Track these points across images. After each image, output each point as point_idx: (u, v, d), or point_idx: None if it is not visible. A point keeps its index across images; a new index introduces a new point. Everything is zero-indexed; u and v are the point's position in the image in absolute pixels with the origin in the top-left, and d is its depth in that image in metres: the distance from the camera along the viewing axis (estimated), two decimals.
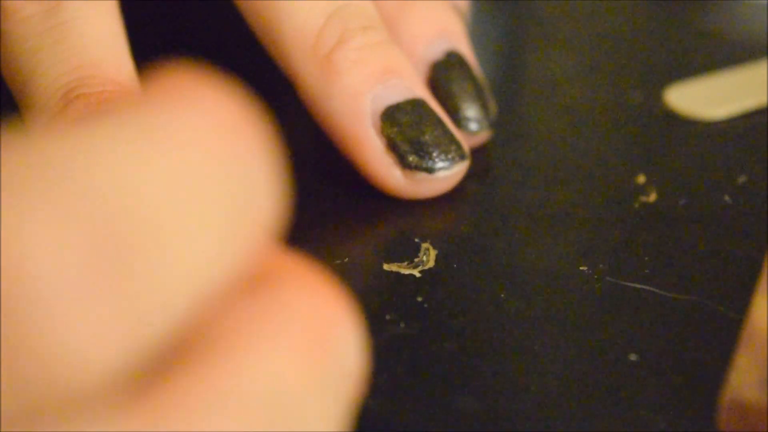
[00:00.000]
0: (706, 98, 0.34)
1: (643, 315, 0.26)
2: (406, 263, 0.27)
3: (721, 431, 0.22)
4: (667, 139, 0.33)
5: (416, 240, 0.28)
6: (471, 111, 0.30)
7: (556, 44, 0.39)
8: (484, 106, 0.31)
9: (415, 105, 0.29)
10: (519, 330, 0.25)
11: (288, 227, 0.28)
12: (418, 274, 0.27)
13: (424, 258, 0.27)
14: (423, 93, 0.29)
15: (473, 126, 0.30)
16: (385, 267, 0.27)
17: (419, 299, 0.26)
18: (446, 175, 0.29)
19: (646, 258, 0.27)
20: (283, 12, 0.29)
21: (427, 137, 0.28)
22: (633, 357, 0.24)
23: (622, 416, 0.23)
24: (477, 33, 0.39)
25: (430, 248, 0.28)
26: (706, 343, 0.25)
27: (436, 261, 0.27)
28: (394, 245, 0.28)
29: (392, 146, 0.28)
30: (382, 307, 0.26)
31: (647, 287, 0.26)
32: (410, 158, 0.28)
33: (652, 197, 0.30)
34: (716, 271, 0.27)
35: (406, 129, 0.28)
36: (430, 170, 0.28)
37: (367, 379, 0.23)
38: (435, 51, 0.30)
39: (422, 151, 0.28)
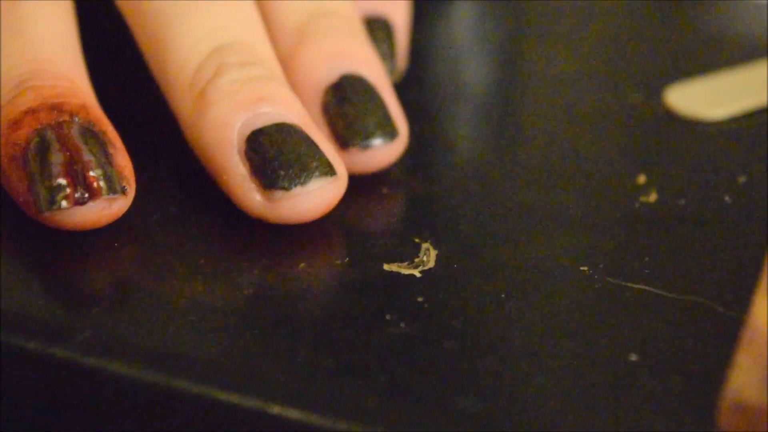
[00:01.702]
0: (706, 98, 0.34)
1: (643, 315, 0.26)
2: (406, 263, 0.27)
3: (721, 431, 0.22)
4: (667, 139, 0.33)
5: (417, 240, 0.28)
6: (362, 126, 0.29)
7: (556, 44, 0.39)
8: (381, 120, 0.29)
9: (280, 127, 0.27)
10: (519, 330, 0.25)
11: (286, 226, 0.28)
12: (418, 275, 0.27)
13: (425, 258, 0.27)
14: (300, 119, 0.28)
15: (374, 141, 0.29)
16: (386, 267, 0.27)
17: (420, 299, 0.26)
18: (302, 191, 0.27)
19: (647, 258, 0.27)
20: (168, 47, 0.29)
21: (286, 156, 0.27)
22: (633, 357, 0.24)
23: (622, 416, 0.23)
24: (477, 33, 0.39)
25: (431, 248, 0.28)
26: (707, 343, 0.25)
27: (437, 261, 0.27)
28: (394, 245, 0.28)
29: (254, 170, 0.27)
30: (383, 307, 0.26)
31: (647, 287, 0.26)
32: (267, 177, 0.27)
33: (653, 197, 0.30)
34: (716, 271, 0.27)
35: (267, 150, 0.27)
36: (286, 187, 0.27)
37: (365, 379, 0.24)
38: (329, 76, 0.29)
39: (280, 168, 0.27)
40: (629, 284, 0.26)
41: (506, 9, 0.41)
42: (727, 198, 0.30)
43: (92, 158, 0.27)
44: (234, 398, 0.23)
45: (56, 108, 0.27)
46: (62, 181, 0.26)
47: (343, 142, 0.29)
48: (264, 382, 0.23)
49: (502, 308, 0.26)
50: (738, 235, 0.28)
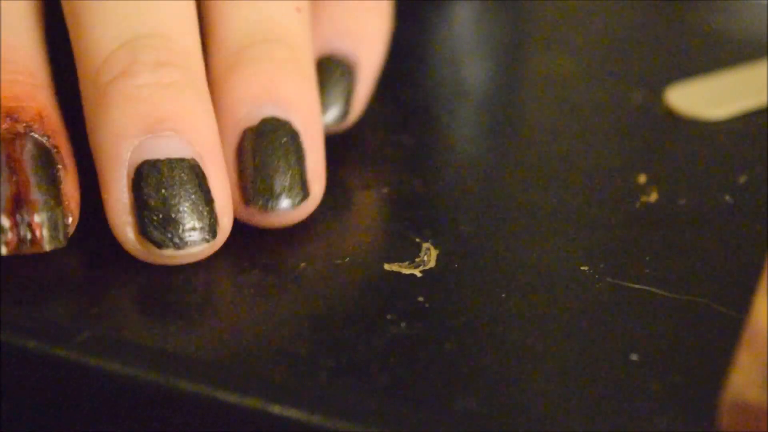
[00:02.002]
0: (707, 98, 0.34)
1: (644, 315, 0.26)
2: (407, 263, 0.27)
3: (722, 431, 0.22)
4: (668, 138, 0.33)
5: (417, 240, 0.28)
6: (268, 186, 0.27)
7: (557, 44, 0.39)
8: (291, 183, 0.27)
9: (174, 167, 0.26)
10: (520, 330, 0.25)
11: (289, 227, 0.28)
12: (419, 274, 0.27)
13: (425, 258, 0.27)
14: (202, 150, 0.26)
15: (277, 204, 0.27)
16: (386, 267, 0.27)
17: (420, 299, 0.26)
18: (173, 254, 0.26)
19: (647, 258, 0.27)
20: (83, 26, 0.26)
21: (172, 207, 0.25)
22: (634, 357, 0.24)
23: (623, 416, 0.23)
24: (477, 33, 0.39)
25: (431, 248, 0.27)
26: (707, 343, 0.25)
27: (437, 261, 0.27)
28: (395, 245, 0.28)
29: (134, 206, 0.26)
30: (383, 307, 0.26)
31: (648, 287, 0.26)
32: (144, 225, 0.26)
33: (653, 197, 0.30)
34: (717, 270, 0.27)
35: (153, 192, 0.25)
36: (160, 245, 0.26)
37: (366, 379, 0.23)
38: (250, 117, 0.27)
39: (160, 222, 0.25)
40: (630, 284, 0.26)
41: (506, 9, 0.41)
42: (728, 198, 0.30)
43: (39, 197, 0.25)
44: (234, 398, 0.23)
45: (11, 115, 0.26)
46: (5, 222, 0.25)
47: (246, 198, 0.27)
48: (264, 382, 0.23)
49: (503, 308, 0.26)
50: (739, 235, 0.28)
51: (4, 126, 0.26)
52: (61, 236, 0.25)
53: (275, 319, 0.25)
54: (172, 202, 0.26)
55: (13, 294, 0.25)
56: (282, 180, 0.27)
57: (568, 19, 0.40)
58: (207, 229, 0.26)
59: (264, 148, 0.27)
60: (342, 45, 0.30)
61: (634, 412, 0.23)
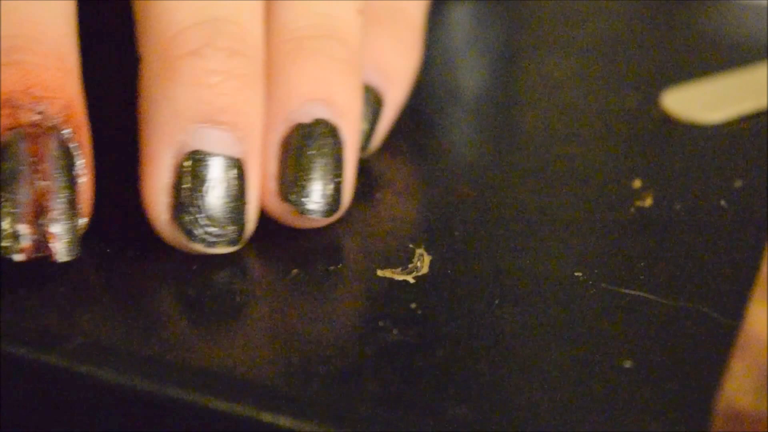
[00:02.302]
0: (703, 102, 0.34)
1: (638, 321, 0.25)
2: (399, 269, 0.27)
3: None
4: (663, 143, 0.33)
5: (410, 245, 0.28)
6: (311, 191, 0.27)
7: (552, 47, 0.39)
8: (330, 191, 0.27)
9: (226, 168, 0.26)
10: (513, 337, 0.25)
11: (279, 232, 0.28)
12: (411, 280, 0.27)
13: (418, 264, 0.27)
14: (251, 151, 0.26)
15: (307, 206, 0.27)
16: (379, 273, 0.27)
17: (413, 306, 0.26)
18: (202, 250, 0.26)
19: (642, 263, 0.27)
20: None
21: (210, 204, 0.26)
22: (628, 364, 0.24)
23: (616, 423, 0.23)
24: (472, 36, 0.39)
25: (424, 254, 0.27)
26: (702, 349, 0.25)
27: (431, 267, 0.27)
28: (387, 251, 0.28)
29: (176, 189, 0.26)
30: (376, 314, 0.25)
31: (642, 293, 0.26)
32: (182, 213, 0.26)
33: (648, 202, 0.30)
34: (712, 276, 0.27)
35: (200, 185, 0.26)
36: (192, 237, 0.26)
37: (358, 386, 0.23)
38: (306, 113, 0.27)
39: (198, 216, 0.26)
40: (624, 290, 0.26)
41: (501, 12, 0.40)
42: (723, 202, 0.30)
43: (59, 206, 0.25)
44: (226, 405, 0.23)
45: (37, 107, 0.25)
46: (24, 230, 0.25)
47: (283, 195, 0.27)
48: (256, 389, 0.23)
49: (496, 314, 0.26)
50: (734, 241, 0.28)
51: (30, 119, 0.25)
52: (75, 249, 0.25)
53: (267, 325, 0.25)
54: (214, 201, 0.26)
55: (4, 301, 0.25)
56: (324, 189, 0.27)
57: (563, 21, 0.40)
58: (237, 232, 0.26)
59: (312, 150, 0.27)
60: (372, 78, 0.30)
61: (627, 419, 0.23)
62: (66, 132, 0.26)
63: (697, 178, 0.31)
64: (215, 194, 0.26)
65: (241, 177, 0.26)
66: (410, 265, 0.27)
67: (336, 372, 0.24)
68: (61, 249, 0.25)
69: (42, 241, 0.25)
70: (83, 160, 0.26)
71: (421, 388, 0.24)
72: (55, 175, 0.25)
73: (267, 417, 0.23)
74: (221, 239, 0.26)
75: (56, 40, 0.26)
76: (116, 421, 0.24)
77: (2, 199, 0.25)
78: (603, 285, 0.26)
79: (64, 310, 0.25)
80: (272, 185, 0.27)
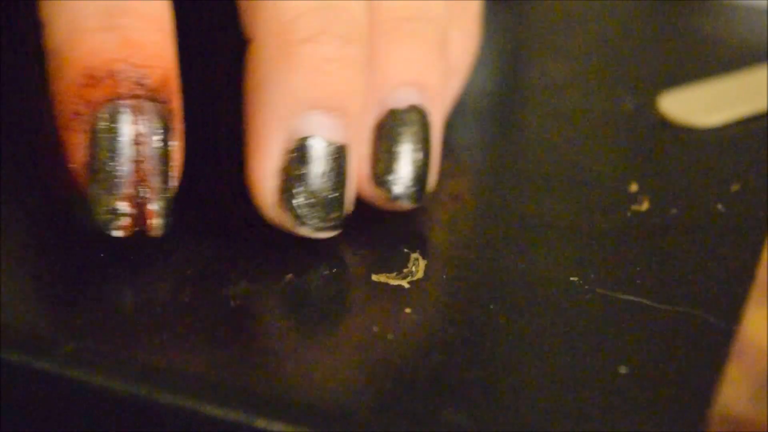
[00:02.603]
0: (700, 105, 0.34)
1: (633, 326, 0.25)
2: (394, 274, 0.27)
3: None
4: (660, 146, 0.33)
5: (405, 250, 0.28)
6: (403, 176, 0.27)
7: (548, 50, 0.38)
8: (420, 178, 0.28)
9: (334, 156, 0.26)
10: (508, 342, 0.25)
11: (274, 237, 0.28)
12: (406, 285, 0.26)
13: (413, 268, 0.27)
14: (355, 137, 0.27)
15: (397, 191, 0.27)
16: (374, 278, 0.27)
17: (408, 310, 0.26)
18: (307, 234, 0.26)
19: (638, 268, 0.27)
20: None
21: (320, 192, 0.26)
22: (623, 369, 0.24)
23: (611, 429, 0.23)
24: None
25: (420, 258, 0.27)
26: (698, 355, 0.25)
27: (426, 271, 0.27)
28: (382, 255, 0.27)
29: (287, 171, 0.26)
30: (370, 319, 0.25)
31: (638, 298, 0.26)
32: (291, 196, 0.26)
33: (644, 206, 0.30)
34: (709, 281, 0.27)
35: (308, 171, 0.26)
36: (299, 220, 0.26)
37: (352, 392, 0.23)
38: (400, 98, 0.27)
39: (306, 201, 0.26)
40: (620, 295, 0.26)
41: (497, 15, 0.40)
42: (720, 206, 0.30)
43: (158, 184, 0.25)
44: (219, 411, 0.23)
45: (139, 78, 0.25)
46: (125, 208, 0.25)
47: (376, 180, 0.28)
48: (249, 395, 0.23)
49: (492, 319, 0.26)
50: (731, 245, 0.28)
51: (130, 90, 0.25)
52: (168, 223, 0.26)
53: (260, 331, 0.25)
54: (322, 186, 0.26)
55: None
56: (415, 177, 0.28)
57: (559, 24, 0.40)
58: (340, 218, 0.27)
59: (405, 137, 0.27)
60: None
61: (623, 425, 0.23)
62: (164, 103, 0.26)
63: (694, 181, 0.31)
64: (324, 180, 0.26)
65: (345, 163, 0.26)
66: (405, 270, 0.27)
67: (330, 377, 0.24)
68: (157, 224, 0.26)
69: (140, 217, 0.25)
70: (176, 131, 0.26)
71: (416, 393, 0.23)
72: (153, 151, 0.25)
73: (260, 423, 0.23)
74: (326, 224, 0.26)
75: (155, 1, 0.26)
76: (108, 427, 0.24)
77: (102, 176, 0.25)
78: (599, 290, 0.26)
79: (55, 315, 0.25)
80: (365, 169, 0.28)
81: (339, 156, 0.26)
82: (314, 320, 0.26)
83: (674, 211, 0.29)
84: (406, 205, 0.28)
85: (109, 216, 0.25)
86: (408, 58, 0.28)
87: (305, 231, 0.27)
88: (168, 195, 0.26)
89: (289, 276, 0.27)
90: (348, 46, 0.26)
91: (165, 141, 0.26)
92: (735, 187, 0.30)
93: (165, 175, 0.26)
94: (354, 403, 0.23)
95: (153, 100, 0.25)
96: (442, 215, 0.29)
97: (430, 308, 0.26)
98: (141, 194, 0.25)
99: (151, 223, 0.25)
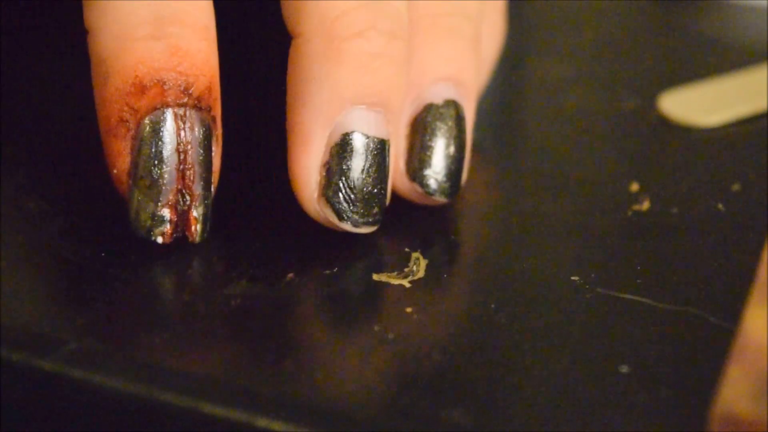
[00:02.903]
0: (700, 105, 0.34)
1: (634, 326, 0.25)
2: (395, 273, 0.27)
3: None
4: (660, 146, 0.33)
5: (406, 249, 0.28)
6: (438, 171, 0.28)
7: (549, 50, 0.38)
8: (454, 172, 0.28)
9: (377, 150, 0.26)
10: (509, 341, 0.25)
11: (274, 237, 0.28)
12: (407, 285, 0.26)
13: (414, 268, 0.27)
14: (394, 132, 0.27)
15: (432, 186, 0.28)
16: (375, 277, 0.27)
17: (409, 310, 0.26)
18: (349, 229, 0.27)
19: (639, 267, 0.27)
20: None
21: (362, 187, 0.26)
22: (624, 369, 0.24)
23: (612, 429, 0.23)
24: None
25: (421, 258, 0.27)
26: (698, 354, 0.25)
27: (427, 271, 0.27)
28: (383, 255, 0.27)
29: (329, 167, 0.26)
30: (371, 318, 0.25)
31: (639, 298, 0.26)
32: (333, 191, 0.26)
33: (645, 205, 0.30)
34: (709, 280, 0.27)
35: (352, 163, 0.26)
36: (340, 215, 0.26)
37: (353, 391, 0.23)
38: (437, 93, 0.28)
39: (348, 195, 0.26)
40: (621, 294, 0.26)
41: None
42: (720, 206, 0.30)
43: (200, 192, 0.26)
44: (220, 411, 0.23)
45: (185, 86, 0.25)
46: (168, 215, 0.26)
47: (412, 175, 0.28)
48: (250, 395, 0.23)
49: (492, 319, 0.26)
50: (731, 244, 0.28)
51: (176, 99, 0.25)
52: (207, 229, 0.26)
53: (262, 330, 0.25)
54: (367, 182, 0.26)
55: None
56: (450, 171, 0.28)
57: (560, 24, 0.40)
58: (380, 213, 0.27)
59: (444, 133, 0.28)
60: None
61: (623, 425, 0.23)
62: (208, 111, 0.26)
63: (695, 181, 0.31)
64: (366, 175, 0.26)
65: (387, 158, 0.27)
66: (406, 269, 0.27)
67: (332, 376, 0.24)
68: (198, 231, 0.26)
69: (181, 224, 0.26)
70: (217, 138, 0.26)
71: (417, 392, 0.23)
72: (197, 158, 0.26)
73: (262, 422, 0.23)
74: (367, 219, 0.27)
75: (201, 9, 0.26)
76: (110, 426, 0.24)
77: (146, 183, 0.25)
78: (599, 289, 0.26)
79: (57, 315, 0.25)
80: (401, 164, 0.28)
81: (380, 151, 0.27)
82: (315, 320, 0.26)
83: (675, 210, 0.29)
84: (440, 199, 0.28)
85: (152, 223, 0.26)
86: (445, 54, 0.28)
87: (346, 226, 0.27)
88: (208, 202, 0.26)
89: (290, 275, 0.27)
90: (394, 41, 0.26)
91: (208, 148, 0.26)
92: (735, 187, 0.30)
93: (207, 182, 0.26)
94: (355, 402, 0.23)
95: (197, 108, 0.26)
96: (443, 215, 0.29)
97: (431, 307, 0.26)
98: (183, 202, 0.26)
99: (192, 230, 0.26)
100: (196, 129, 0.26)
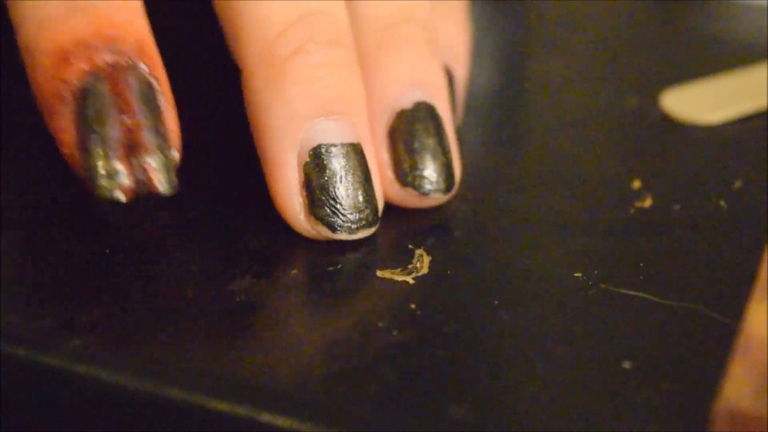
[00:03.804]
0: (702, 102, 0.34)
1: (637, 322, 0.25)
2: (399, 270, 0.27)
3: None
4: (663, 143, 0.33)
5: (410, 246, 0.28)
6: (428, 170, 0.28)
7: (551, 48, 0.38)
8: (444, 168, 0.28)
9: (348, 154, 0.27)
10: (513, 337, 0.25)
11: (279, 233, 0.28)
12: (411, 281, 0.27)
13: (418, 265, 0.27)
14: (364, 136, 0.27)
15: (427, 186, 0.28)
16: (379, 274, 0.27)
17: (412, 306, 0.26)
18: (345, 238, 0.27)
19: (641, 264, 0.27)
20: (251, 2, 0.27)
21: (344, 192, 0.27)
22: (627, 364, 0.24)
23: (615, 424, 0.23)
24: (473, 36, 0.39)
25: (424, 255, 0.27)
26: (701, 350, 0.25)
27: (430, 268, 0.27)
28: (387, 252, 0.28)
29: (308, 186, 0.27)
30: (375, 315, 0.25)
31: (642, 294, 0.26)
32: (318, 206, 0.27)
33: (648, 202, 0.30)
34: (712, 277, 0.27)
35: (328, 175, 0.26)
36: (332, 228, 0.27)
37: (357, 387, 0.23)
38: (406, 99, 0.28)
39: (334, 206, 0.27)
40: (623, 290, 0.26)
41: (501, 13, 0.40)
42: (722, 203, 0.30)
43: (151, 139, 0.25)
44: (224, 406, 0.23)
45: (111, 47, 0.25)
46: (120, 167, 0.25)
47: (402, 181, 0.28)
48: (254, 390, 0.23)
49: (496, 315, 0.26)
50: (733, 241, 0.28)
51: (105, 59, 0.25)
52: (174, 181, 0.26)
53: (266, 326, 0.25)
54: (346, 188, 0.27)
55: (2, 301, 0.25)
56: (438, 167, 0.28)
57: (563, 22, 0.40)
58: (373, 214, 0.27)
59: (421, 134, 0.28)
60: (441, 55, 0.30)
61: (626, 420, 0.23)
62: (143, 67, 0.26)
63: (697, 178, 0.31)
64: (346, 182, 0.27)
65: (363, 159, 0.27)
66: (410, 266, 0.27)
67: (335, 372, 0.24)
68: (162, 180, 0.25)
69: (141, 178, 0.25)
70: (164, 94, 0.26)
71: (421, 388, 0.24)
72: (141, 110, 0.25)
73: (266, 418, 0.23)
74: (361, 224, 0.27)
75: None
76: (114, 422, 0.24)
77: (93, 140, 0.25)
78: (602, 285, 0.26)
79: (61, 311, 0.25)
80: (389, 174, 0.28)
81: (353, 155, 0.27)
82: (319, 316, 0.26)
83: (677, 207, 0.29)
84: (438, 197, 0.28)
85: (109, 181, 0.25)
86: (405, 62, 0.28)
87: (342, 236, 0.27)
88: (167, 153, 0.25)
89: (294, 272, 0.27)
90: (335, 49, 0.27)
91: (152, 102, 0.25)
92: (737, 184, 0.30)
93: (158, 132, 0.25)
94: (359, 397, 0.23)
95: (131, 65, 0.25)
96: (447, 212, 0.29)
97: (434, 304, 0.26)
98: (136, 154, 0.25)
99: (152, 180, 0.25)
100: (133, 84, 0.25)
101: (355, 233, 0.27)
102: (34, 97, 0.26)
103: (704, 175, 0.31)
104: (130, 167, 0.25)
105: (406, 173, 0.28)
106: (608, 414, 0.23)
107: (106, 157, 0.25)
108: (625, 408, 0.23)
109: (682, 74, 0.36)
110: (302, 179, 0.27)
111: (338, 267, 0.27)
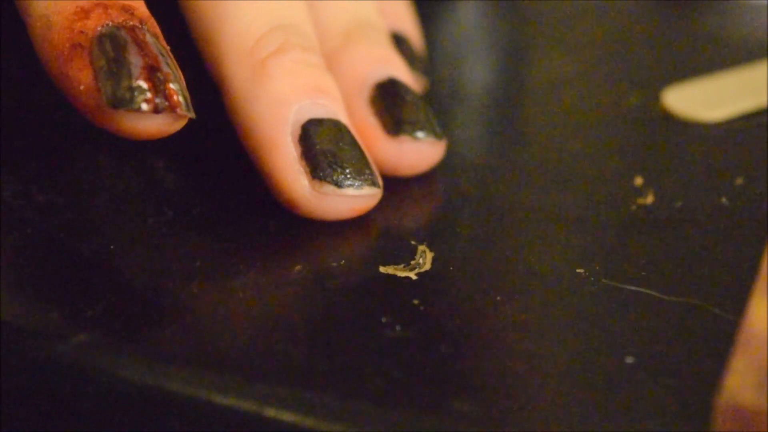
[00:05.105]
0: (704, 100, 0.34)
1: (639, 317, 0.25)
2: (402, 266, 0.27)
3: None
4: (664, 140, 0.33)
5: (413, 242, 0.28)
6: (415, 117, 0.30)
7: (553, 46, 0.39)
8: (429, 120, 0.30)
9: (337, 125, 0.28)
10: (515, 333, 0.25)
11: (282, 229, 0.28)
12: (414, 277, 0.27)
13: (421, 260, 0.27)
14: (342, 115, 0.29)
15: (420, 133, 0.30)
16: (382, 269, 0.27)
17: (415, 302, 0.26)
18: (353, 194, 0.28)
19: (643, 260, 0.27)
20: (226, 14, 0.29)
21: (342, 154, 0.28)
22: (629, 360, 0.24)
23: (618, 419, 0.23)
24: (474, 36, 0.39)
25: (427, 251, 0.27)
26: (703, 345, 0.25)
27: (433, 263, 0.27)
28: (390, 247, 0.28)
29: (306, 155, 0.28)
30: (378, 310, 0.25)
31: (644, 289, 0.26)
32: (321, 168, 0.28)
33: (649, 199, 0.30)
34: (713, 273, 0.27)
35: (324, 141, 0.28)
36: (338, 184, 0.28)
37: (361, 382, 0.23)
38: (378, 74, 0.31)
39: (335, 164, 0.28)
40: (626, 286, 0.26)
41: (503, 11, 0.41)
42: (724, 200, 0.30)
43: (170, 71, 0.26)
44: (229, 401, 0.23)
45: (128, 10, 0.27)
46: (143, 84, 0.26)
47: (395, 130, 0.30)
48: (258, 385, 0.23)
49: (498, 311, 0.26)
50: (735, 238, 0.28)
51: (123, 18, 0.26)
52: (191, 108, 0.26)
53: (270, 322, 0.25)
54: (343, 148, 0.28)
55: (9, 296, 0.25)
56: (422, 115, 0.30)
57: (565, 20, 0.40)
58: (373, 173, 0.28)
59: (400, 93, 0.30)
60: (389, 23, 0.33)
61: (629, 415, 0.23)
62: (152, 32, 0.27)
63: (698, 175, 0.31)
64: (342, 144, 0.28)
65: (352, 134, 0.29)
66: (413, 262, 0.27)
67: (339, 368, 0.24)
68: (182, 102, 0.26)
69: (163, 97, 0.26)
70: (170, 56, 0.27)
71: (424, 383, 0.24)
72: (159, 50, 0.26)
73: (270, 412, 0.23)
74: (364, 179, 0.28)
75: None
76: (119, 417, 0.24)
77: (118, 67, 0.26)
78: (604, 281, 0.27)
79: (66, 306, 0.25)
80: (378, 132, 0.30)
81: (342, 126, 0.28)
82: (322, 312, 0.26)
83: (679, 204, 0.29)
84: (431, 141, 0.30)
85: (131, 94, 0.25)
86: (366, 50, 0.31)
87: (350, 191, 0.28)
88: (183, 84, 0.26)
89: (298, 268, 0.27)
90: (308, 52, 0.29)
91: (164, 51, 0.27)
92: (739, 181, 0.31)
93: (173, 70, 0.26)
94: (362, 392, 0.23)
95: (142, 24, 0.27)
96: (450, 208, 0.29)
97: (437, 300, 0.26)
98: (156, 76, 0.26)
99: (174, 99, 0.26)
100: (148, 36, 0.26)
101: (362, 189, 0.28)
102: (45, 60, 0.26)
103: (706, 172, 0.31)
104: (152, 84, 0.26)
105: (395, 125, 0.30)
106: (611, 408, 0.23)
107: (130, 77, 0.26)
108: (627, 402, 0.23)
109: (684, 72, 0.36)
110: (300, 151, 0.28)
111: (341, 263, 0.27)
